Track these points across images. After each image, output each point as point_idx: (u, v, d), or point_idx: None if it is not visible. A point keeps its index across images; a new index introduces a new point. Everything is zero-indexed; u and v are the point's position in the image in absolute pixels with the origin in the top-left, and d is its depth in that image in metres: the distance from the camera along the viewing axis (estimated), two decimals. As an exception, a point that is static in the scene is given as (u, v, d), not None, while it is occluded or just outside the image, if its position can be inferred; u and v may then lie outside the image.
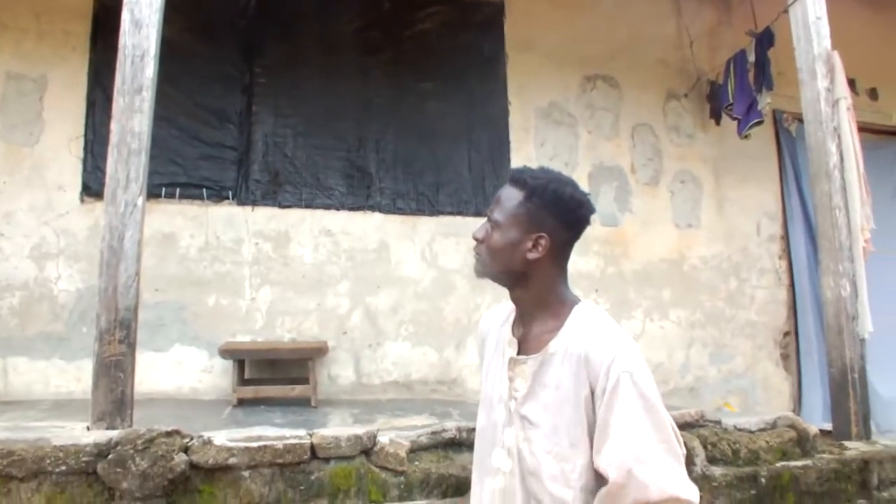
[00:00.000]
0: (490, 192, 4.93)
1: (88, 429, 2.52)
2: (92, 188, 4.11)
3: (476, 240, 1.50)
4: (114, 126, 2.67)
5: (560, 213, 1.43)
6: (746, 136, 5.16)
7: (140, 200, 2.62)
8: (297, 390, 3.98)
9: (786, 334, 5.74)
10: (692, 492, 1.27)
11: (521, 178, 1.47)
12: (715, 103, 5.57)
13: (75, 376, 3.98)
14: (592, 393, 1.33)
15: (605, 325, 1.40)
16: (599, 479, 1.31)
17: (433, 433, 2.79)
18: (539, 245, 1.42)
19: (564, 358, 1.37)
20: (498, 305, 1.66)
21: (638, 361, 1.32)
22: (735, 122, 5.28)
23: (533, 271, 1.44)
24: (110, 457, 2.26)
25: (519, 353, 1.48)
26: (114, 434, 2.36)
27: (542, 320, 1.46)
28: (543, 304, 1.46)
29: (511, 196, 1.46)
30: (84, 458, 2.26)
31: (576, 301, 1.47)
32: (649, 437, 1.25)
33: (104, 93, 4.02)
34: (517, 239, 1.43)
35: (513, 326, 1.54)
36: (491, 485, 1.47)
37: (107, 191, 2.61)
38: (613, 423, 1.28)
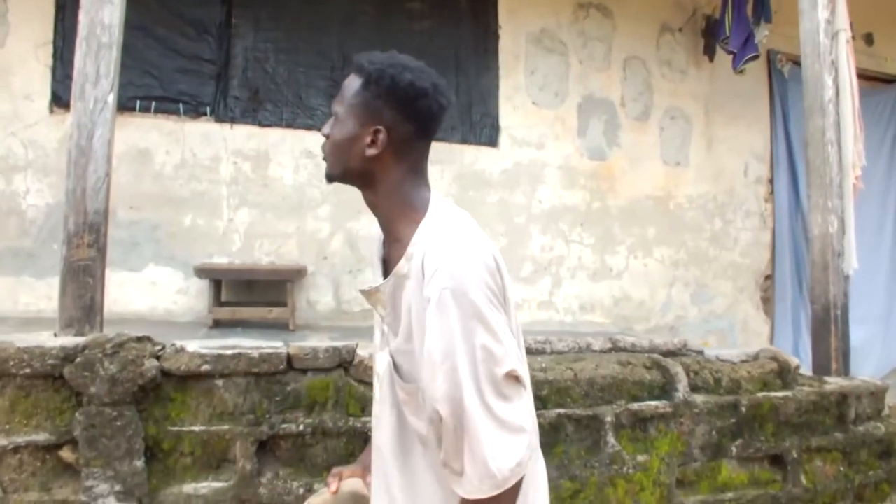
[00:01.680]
0: (477, 119, 4.80)
1: (56, 335, 2.43)
2: (62, 98, 3.90)
3: (323, 136, 1.32)
4: (82, 17, 2.49)
5: (399, 103, 1.24)
6: (741, 72, 5.06)
7: (111, 98, 2.47)
8: (274, 313, 3.90)
9: (767, 277, 5.76)
10: (489, 464, 1.10)
11: (359, 64, 1.27)
12: (710, 39, 5.43)
13: (45, 294, 3.85)
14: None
15: (444, 232, 1.21)
16: None
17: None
18: (378, 139, 1.24)
19: (414, 278, 1.20)
20: None
21: (464, 274, 1.13)
22: (730, 58, 5.17)
23: (376, 170, 1.27)
24: (78, 360, 2.18)
25: (384, 275, 1.33)
26: (81, 339, 2.27)
27: (399, 233, 1.27)
28: (394, 211, 1.28)
29: (351, 85, 1.27)
30: (50, 361, 2.17)
31: (428, 206, 1.27)
32: (462, 375, 1.10)
33: (73, -4, 3.78)
34: (354, 132, 1.25)
35: (382, 242, 1.38)
36: (373, 409, 1.38)
37: (74, 86, 2.46)
38: (428, 348, 1.13)
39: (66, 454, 2.18)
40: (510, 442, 1.11)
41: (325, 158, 1.32)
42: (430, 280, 1.14)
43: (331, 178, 1.33)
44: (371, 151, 1.24)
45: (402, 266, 1.23)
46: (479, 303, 1.13)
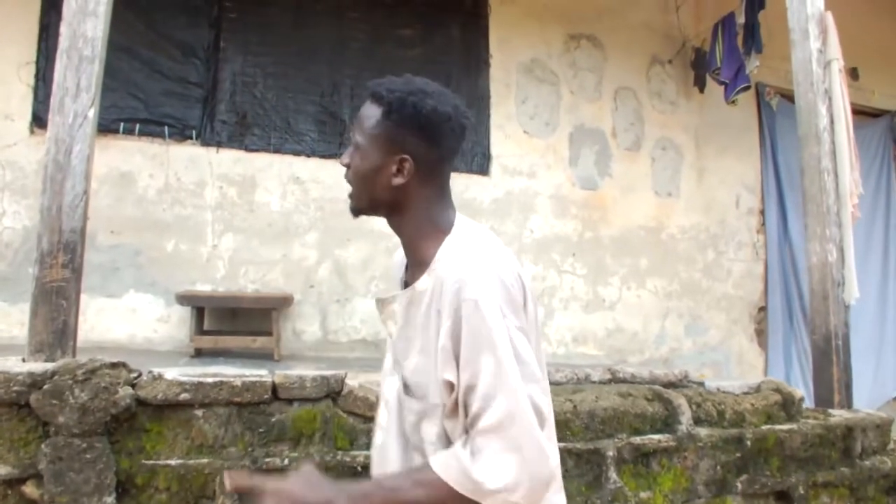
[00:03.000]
0: (467, 147, 4.73)
1: (24, 360, 2.28)
2: (43, 119, 3.73)
3: (343, 166, 1.28)
4: (64, 29, 2.40)
5: (423, 130, 1.20)
6: (733, 102, 5.07)
7: (91, 112, 2.37)
8: (259, 342, 3.76)
9: (761, 309, 5.69)
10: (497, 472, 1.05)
11: (378, 93, 1.23)
12: (699, 70, 5.46)
13: (18, 320, 3.68)
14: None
15: (465, 248, 1.19)
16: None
17: (405, 381, 2.59)
18: (403, 168, 1.20)
19: (432, 293, 1.18)
20: None
21: (489, 287, 1.11)
22: (720, 90, 5.19)
23: (403, 199, 1.23)
24: (46, 387, 2.02)
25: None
26: (51, 365, 2.12)
27: (423, 254, 1.24)
28: (421, 234, 1.25)
29: (370, 114, 1.23)
30: (15, 388, 2.02)
31: (452, 225, 1.25)
32: (487, 383, 1.07)
33: (59, 14, 3.68)
34: (378, 163, 1.21)
35: (405, 266, 1.35)
36: (375, 439, 1.33)
37: (53, 99, 2.35)
38: (458, 360, 1.10)
39: (29, 489, 2.01)
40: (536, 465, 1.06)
41: (350, 193, 1.29)
42: (455, 292, 1.12)
43: (357, 211, 1.29)
44: (398, 180, 1.21)
45: (422, 281, 1.20)
46: (501, 317, 1.10)
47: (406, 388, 1.21)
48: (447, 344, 1.11)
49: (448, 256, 1.18)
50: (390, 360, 1.30)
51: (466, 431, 1.11)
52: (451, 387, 1.12)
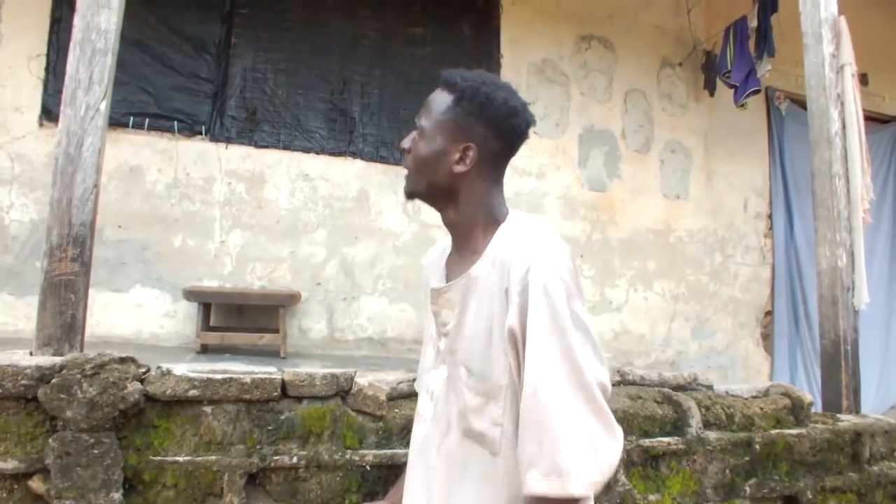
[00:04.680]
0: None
1: (32, 354, 2.26)
2: (53, 112, 3.79)
3: (403, 150, 1.31)
4: (77, 21, 2.38)
5: (491, 120, 1.23)
6: (743, 105, 5.04)
7: (104, 105, 2.35)
8: (265, 339, 3.75)
9: (767, 313, 5.67)
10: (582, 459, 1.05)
11: (451, 80, 1.26)
12: (710, 74, 5.44)
13: (25, 313, 3.69)
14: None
15: (526, 232, 1.20)
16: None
17: (413, 381, 2.58)
18: (467, 156, 1.23)
19: (488, 278, 1.19)
20: (443, 238, 1.47)
21: (555, 270, 1.11)
22: (730, 94, 5.17)
23: (462, 187, 1.25)
24: (54, 381, 2.00)
25: (448, 282, 1.29)
26: (59, 359, 2.10)
27: (477, 244, 1.26)
28: (475, 224, 1.27)
29: (440, 100, 1.26)
30: (23, 382, 2.00)
31: (507, 215, 1.28)
32: (554, 366, 1.07)
33: (71, 9, 3.68)
34: (443, 148, 1.24)
35: (448, 257, 1.36)
36: (416, 433, 1.35)
37: (65, 92, 2.33)
38: (525, 341, 1.10)
39: (36, 484, 2.00)
40: (608, 442, 1.08)
41: (406, 175, 1.31)
42: (523, 274, 1.11)
43: (412, 194, 1.31)
44: (459, 168, 1.24)
45: (477, 267, 1.22)
46: (568, 299, 1.11)
47: (469, 372, 1.20)
48: (515, 324, 1.11)
49: (508, 241, 1.19)
50: (432, 354, 1.31)
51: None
52: (517, 366, 1.13)
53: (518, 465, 1.10)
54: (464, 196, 1.26)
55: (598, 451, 1.05)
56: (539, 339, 1.08)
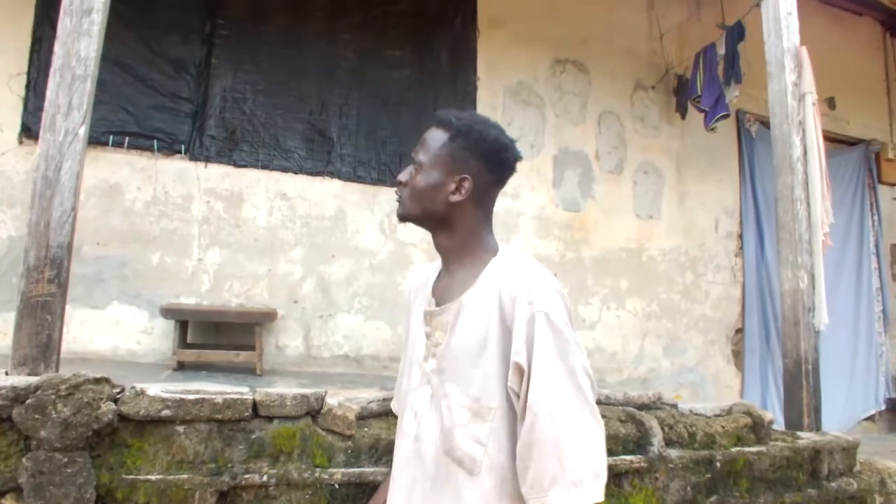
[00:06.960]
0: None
1: (7, 374, 2.30)
2: (32, 129, 3.81)
3: (400, 183, 1.44)
4: (57, 48, 2.44)
5: (484, 155, 1.39)
6: (712, 129, 5.18)
7: (82, 131, 2.41)
8: (242, 356, 3.79)
9: (738, 331, 5.80)
10: (589, 475, 1.20)
11: (446, 120, 1.41)
12: (681, 97, 5.59)
13: (1, 331, 3.71)
14: (510, 337, 1.27)
15: (522, 266, 1.34)
16: (512, 438, 1.26)
17: (384, 400, 2.64)
18: (462, 187, 1.37)
19: (481, 305, 1.32)
20: (427, 263, 1.59)
21: (555, 301, 1.26)
22: (700, 117, 5.30)
23: (456, 215, 1.39)
24: (29, 401, 2.05)
25: (438, 305, 1.41)
26: (34, 379, 2.15)
27: (465, 269, 1.40)
28: (466, 251, 1.41)
29: (436, 137, 1.41)
30: (-1, 402, 2.04)
31: (498, 247, 1.42)
32: (564, 388, 1.21)
33: (52, 28, 3.72)
34: (440, 181, 1.38)
35: (436, 281, 1.48)
36: (401, 448, 1.44)
37: (45, 117, 2.39)
38: (531, 367, 1.22)
39: (9, 503, 2.04)
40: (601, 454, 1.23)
41: (399, 202, 1.43)
42: (526, 305, 1.24)
43: (405, 217, 1.44)
44: (455, 198, 1.37)
45: (470, 293, 1.34)
46: (568, 328, 1.25)
47: (457, 389, 1.31)
48: (521, 351, 1.23)
49: (505, 274, 1.32)
50: (417, 374, 1.41)
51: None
52: (516, 393, 1.24)
53: (525, 486, 1.21)
54: (458, 223, 1.40)
55: (603, 455, 1.22)
56: (548, 364, 1.21)
